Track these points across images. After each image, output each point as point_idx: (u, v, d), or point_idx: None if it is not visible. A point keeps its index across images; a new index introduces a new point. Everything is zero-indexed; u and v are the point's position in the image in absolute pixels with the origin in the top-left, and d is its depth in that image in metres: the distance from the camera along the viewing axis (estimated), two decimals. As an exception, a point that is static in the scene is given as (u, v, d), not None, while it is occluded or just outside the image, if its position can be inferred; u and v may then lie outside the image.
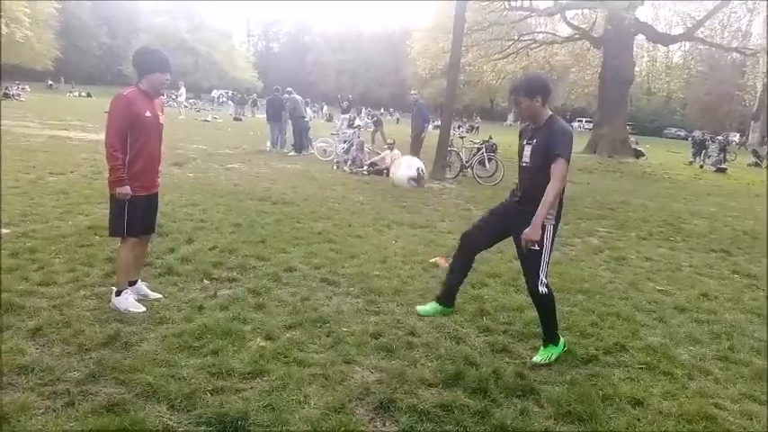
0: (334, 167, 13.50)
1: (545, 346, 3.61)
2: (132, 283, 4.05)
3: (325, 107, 47.47)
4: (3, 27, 26.47)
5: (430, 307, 4.09)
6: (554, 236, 3.47)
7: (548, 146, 3.33)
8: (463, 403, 2.95)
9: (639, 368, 3.58)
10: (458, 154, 13.96)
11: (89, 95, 49.79)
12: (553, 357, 3.56)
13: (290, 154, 15.83)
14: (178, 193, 8.11)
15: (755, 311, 4.89)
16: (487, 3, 23.39)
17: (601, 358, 3.67)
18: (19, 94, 35.13)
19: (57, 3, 52.57)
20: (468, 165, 13.66)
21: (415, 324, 4.00)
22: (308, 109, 18.63)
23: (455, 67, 13.55)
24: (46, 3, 49.39)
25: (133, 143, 3.73)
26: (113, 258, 4.86)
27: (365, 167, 13.23)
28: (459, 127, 28.21)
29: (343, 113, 24.94)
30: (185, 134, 18.62)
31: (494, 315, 4.24)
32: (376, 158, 13.73)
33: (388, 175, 12.71)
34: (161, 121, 3.94)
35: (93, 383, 2.90)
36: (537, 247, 3.38)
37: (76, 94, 50.79)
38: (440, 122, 15.96)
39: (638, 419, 2.97)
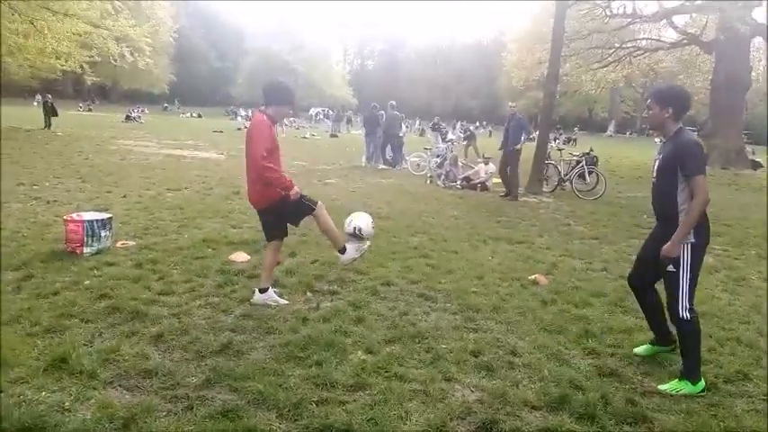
0: (428, 182, 13.56)
1: (680, 378, 3.36)
2: (263, 291, 4.44)
3: (418, 121, 47.81)
4: (126, 56, 29.16)
5: (645, 348, 3.85)
6: (695, 258, 3.29)
7: (675, 162, 3.26)
8: (570, 429, 2.84)
9: (765, 400, 3.28)
10: (555, 167, 13.55)
11: (199, 116, 53.70)
12: (682, 392, 3.29)
13: (380, 167, 16.11)
14: (280, 208, 8.48)
15: None
16: (587, 10, 22.59)
17: (720, 387, 3.41)
18: (139, 116, 38.53)
19: (174, 32, 57.41)
20: (566, 178, 13.22)
21: (515, 343, 3.92)
22: (402, 124, 18.89)
23: (553, 77, 13.21)
24: (165, 31, 54.11)
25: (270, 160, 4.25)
26: (225, 270, 5.20)
27: (459, 182, 13.19)
28: (555, 139, 27.36)
29: (433, 130, 25.07)
30: (286, 151, 19.16)
31: (599, 337, 4.06)
32: (469, 172, 13.66)
33: (481, 189, 12.62)
34: None
35: (208, 389, 3.09)
36: (673, 269, 3.28)
37: (188, 114, 54.88)
38: (534, 135, 15.53)
39: (767, 458, 2.73)
